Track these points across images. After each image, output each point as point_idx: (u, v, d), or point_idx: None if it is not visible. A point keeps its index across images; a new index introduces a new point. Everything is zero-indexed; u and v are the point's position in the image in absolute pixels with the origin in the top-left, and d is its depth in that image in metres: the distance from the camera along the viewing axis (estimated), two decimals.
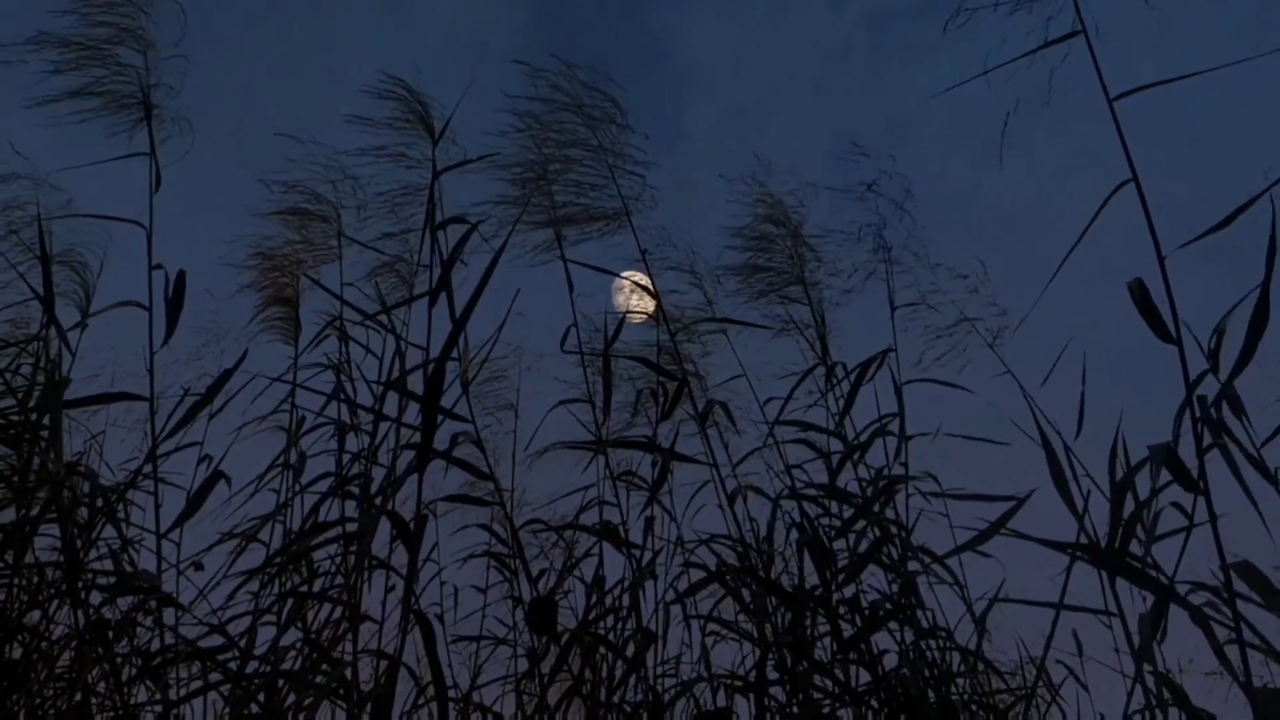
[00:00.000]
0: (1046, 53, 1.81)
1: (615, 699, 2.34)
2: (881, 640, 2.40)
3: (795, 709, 2.25)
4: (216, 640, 2.15)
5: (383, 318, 2.46)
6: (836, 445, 2.68)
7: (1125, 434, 1.94)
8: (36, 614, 2.15)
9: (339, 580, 2.27)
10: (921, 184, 2.77)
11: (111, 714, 2.09)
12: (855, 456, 2.61)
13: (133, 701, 2.12)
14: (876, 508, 2.45)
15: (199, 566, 2.34)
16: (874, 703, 2.30)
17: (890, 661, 2.38)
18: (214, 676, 2.16)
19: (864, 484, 2.59)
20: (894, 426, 2.62)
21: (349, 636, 2.10)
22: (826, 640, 2.44)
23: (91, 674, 2.07)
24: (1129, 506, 1.79)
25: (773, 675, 2.30)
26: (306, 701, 1.99)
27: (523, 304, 2.34)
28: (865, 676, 2.35)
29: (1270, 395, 1.76)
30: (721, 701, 2.37)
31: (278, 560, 2.38)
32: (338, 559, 2.33)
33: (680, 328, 2.90)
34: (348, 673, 2.04)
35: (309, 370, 2.80)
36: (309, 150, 2.65)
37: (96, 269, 2.62)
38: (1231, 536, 1.71)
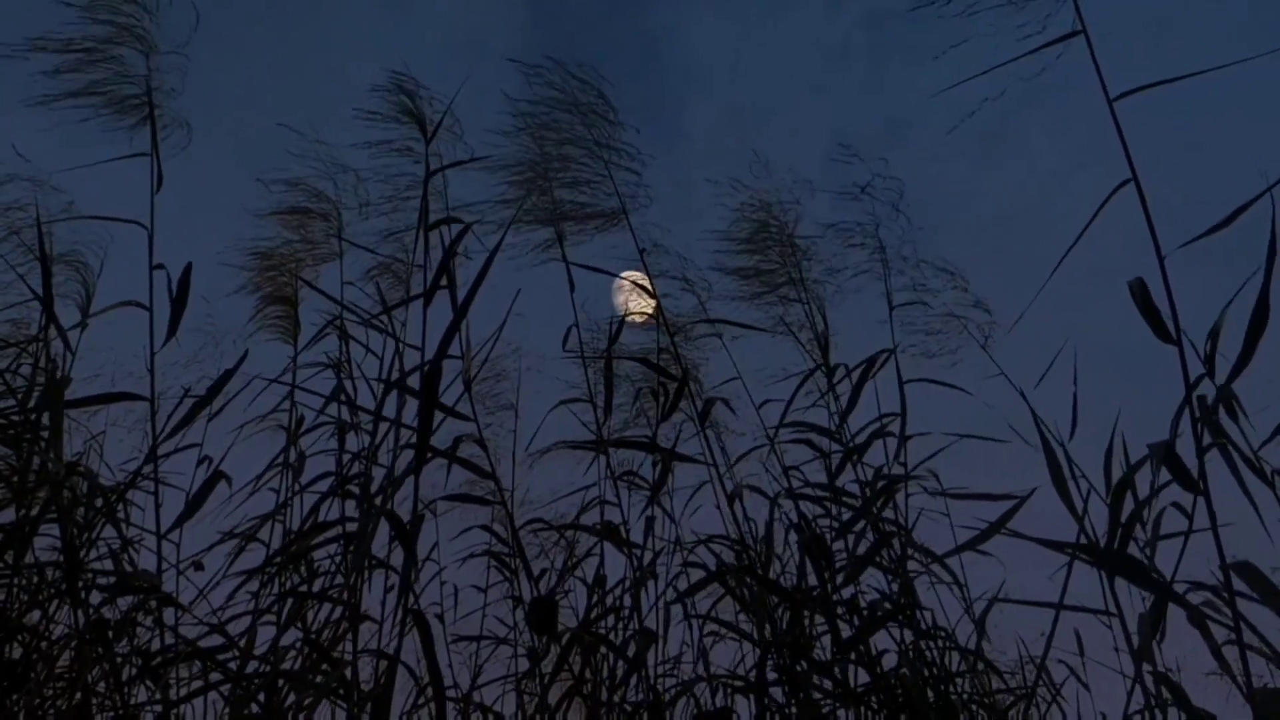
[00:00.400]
0: (1044, 51, 1.81)
1: (615, 699, 2.34)
2: (881, 640, 2.40)
3: (794, 709, 2.25)
4: (216, 640, 2.15)
5: (381, 318, 2.46)
6: (836, 445, 2.69)
7: (1123, 435, 1.95)
8: (36, 614, 2.15)
9: (339, 580, 2.27)
10: (921, 184, 2.78)
11: (111, 714, 2.09)
12: (854, 457, 2.61)
13: (133, 701, 2.12)
14: (875, 509, 2.45)
15: (199, 566, 2.34)
16: (873, 703, 2.30)
17: (890, 661, 2.38)
18: (214, 676, 2.16)
19: (863, 484, 2.59)
20: (894, 426, 2.63)
21: (349, 636, 2.10)
22: (826, 640, 2.45)
23: (91, 674, 2.07)
24: (1129, 506, 1.79)
25: (772, 675, 2.30)
26: (306, 701, 1.99)
27: (523, 304, 2.35)
28: (864, 676, 2.35)
29: (1268, 398, 1.76)
30: (721, 701, 2.38)
31: (277, 560, 2.38)
32: (338, 559, 2.33)
33: (677, 329, 2.90)
34: (347, 672, 2.04)
35: (309, 369, 2.79)
36: (310, 147, 2.65)
37: (97, 269, 2.62)
38: (1234, 538, 1.71)
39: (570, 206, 2.75)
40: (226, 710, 2.08)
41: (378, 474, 2.31)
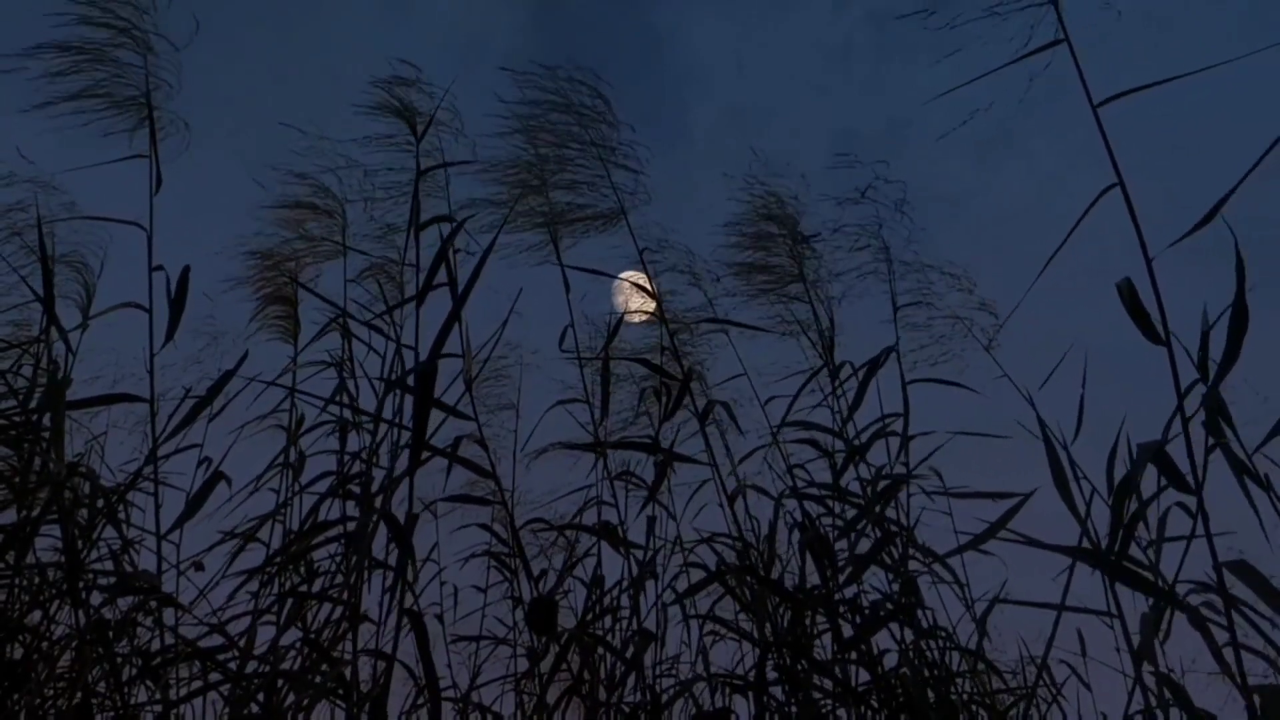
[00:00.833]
0: (1039, 57, 1.82)
1: (614, 699, 2.34)
2: (881, 640, 2.40)
3: (794, 708, 2.25)
4: (216, 640, 2.15)
5: (379, 318, 2.46)
6: (841, 445, 2.68)
7: (1128, 436, 1.94)
8: (37, 614, 2.15)
9: (338, 580, 2.27)
10: (922, 184, 2.77)
11: (112, 714, 2.09)
12: (858, 457, 2.61)
13: (133, 701, 2.13)
14: (878, 508, 2.45)
15: (199, 567, 2.35)
16: (873, 702, 2.29)
17: (890, 661, 2.37)
18: (214, 676, 2.17)
19: (865, 483, 2.59)
20: (896, 426, 2.62)
21: (348, 636, 2.10)
22: (826, 639, 2.44)
23: (92, 674, 2.08)
24: (1132, 508, 1.79)
25: (772, 675, 2.29)
26: (305, 701, 1.99)
27: (525, 304, 2.35)
28: (865, 676, 2.35)
29: (1264, 400, 1.76)
30: (720, 701, 2.37)
31: (277, 560, 2.38)
32: (337, 559, 2.33)
33: (679, 328, 2.90)
34: (346, 672, 2.04)
35: (310, 368, 2.80)
36: (314, 143, 2.65)
37: (97, 270, 2.63)
38: (1239, 539, 1.71)
39: (568, 208, 2.75)
40: (226, 710, 2.08)
41: (378, 474, 2.31)
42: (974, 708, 2.33)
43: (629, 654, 2.33)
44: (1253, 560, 1.63)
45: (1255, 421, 1.76)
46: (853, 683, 2.32)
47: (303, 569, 2.41)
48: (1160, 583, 1.75)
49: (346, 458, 2.60)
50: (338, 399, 2.60)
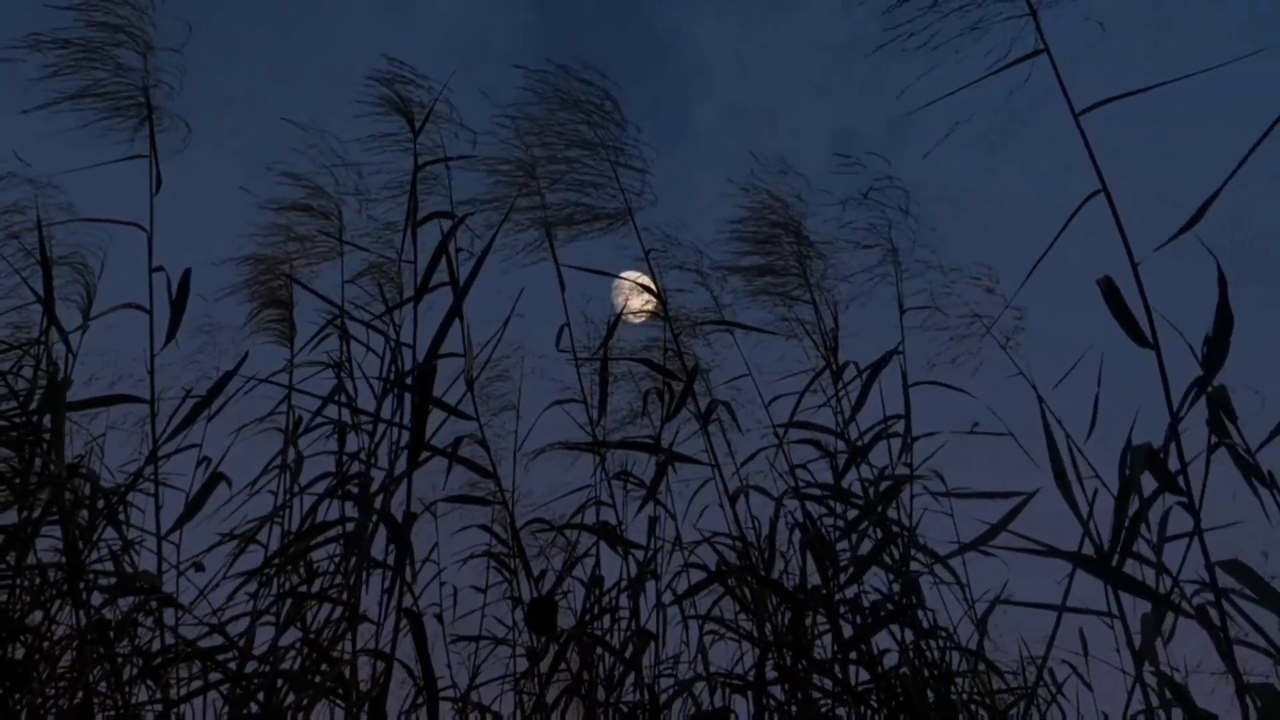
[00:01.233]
0: (1020, 68, 1.83)
1: (613, 699, 2.34)
2: (882, 640, 2.39)
3: (794, 708, 2.25)
4: (216, 640, 2.15)
5: (377, 318, 2.46)
6: (842, 446, 2.68)
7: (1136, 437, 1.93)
8: (38, 614, 2.16)
9: (338, 580, 2.28)
10: (922, 184, 2.77)
11: (112, 713, 2.09)
12: (859, 458, 2.61)
13: (133, 701, 2.13)
14: (880, 508, 2.44)
15: (200, 567, 2.35)
16: (873, 702, 2.29)
17: (890, 661, 2.37)
18: (214, 676, 2.17)
19: (867, 484, 2.59)
20: (899, 427, 2.62)
21: (348, 636, 2.10)
22: (826, 639, 2.44)
23: (93, 674, 2.08)
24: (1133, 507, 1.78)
25: (772, 675, 2.29)
26: (305, 701, 1.99)
27: (528, 305, 2.35)
28: (865, 676, 2.35)
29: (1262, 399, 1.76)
30: (720, 701, 2.37)
31: (276, 561, 2.38)
32: (336, 559, 2.33)
33: (683, 328, 2.90)
34: (345, 672, 2.04)
35: (307, 370, 2.79)
36: (311, 142, 2.65)
37: (98, 271, 2.63)
38: (1236, 539, 1.70)
39: (575, 209, 2.75)
40: (226, 710, 2.09)
41: (377, 475, 2.31)
42: (974, 708, 2.33)
43: (628, 654, 2.33)
44: (1254, 558, 1.63)
45: (1255, 420, 1.76)
46: (853, 683, 2.32)
47: (302, 569, 2.41)
48: (1163, 584, 1.75)
49: (345, 458, 2.60)
50: (336, 399, 2.60)
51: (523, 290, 2.34)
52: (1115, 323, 1.74)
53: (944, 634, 2.37)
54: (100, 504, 2.20)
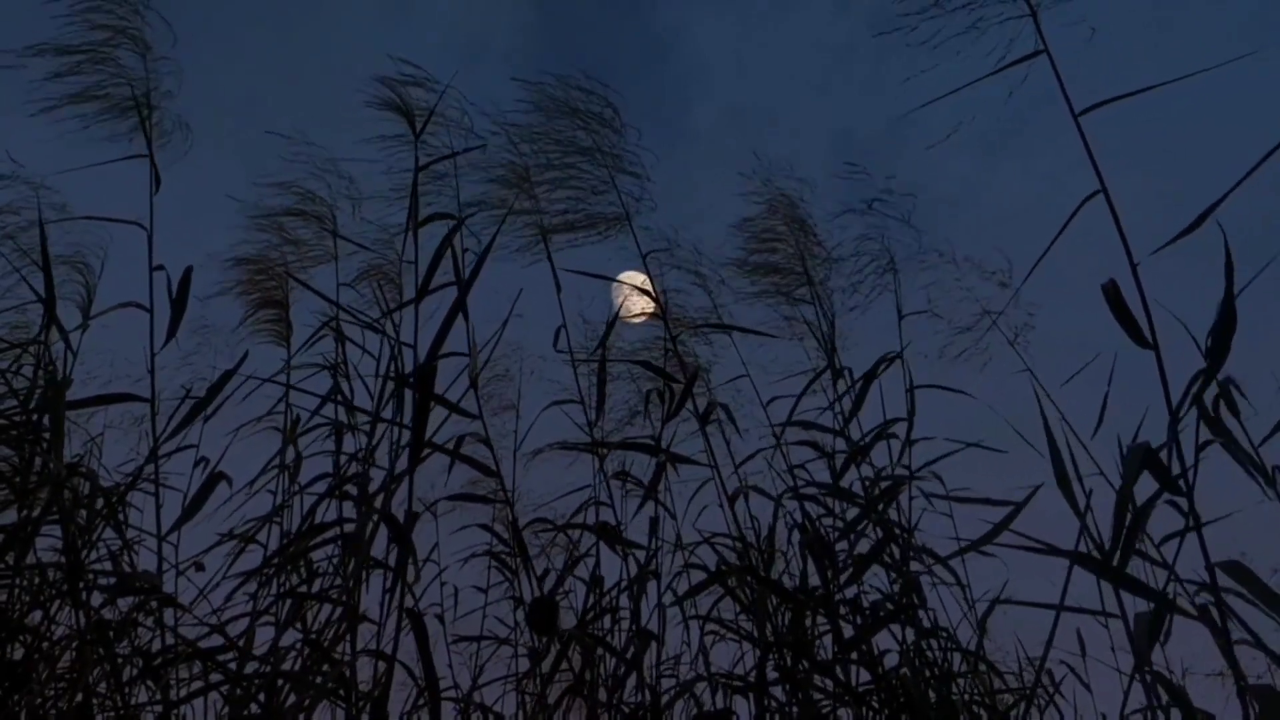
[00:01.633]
0: (1032, 64, 1.83)
1: (615, 699, 2.34)
2: (882, 640, 2.40)
3: (795, 709, 2.25)
4: (216, 640, 2.15)
5: (376, 319, 2.47)
6: (843, 446, 2.68)
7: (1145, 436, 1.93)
8: (38, 614, 2.15)
9: (338, 581, 2.27)
10: (922, 184, 2.77)
11: (112, 714, 2.09)
12: (859, 459, 2.61)
13: (133, 702, 2.12)
14: (880, 507, 2.45)
15: (200, 567, 2.35)
16: (874, 702, 2.29)
17: (891, 661, 2.37)
18: (214, 677, 2.16)
19: (867, 483, 2.59)
20: (900, 429, 2.62)
21: (348, 636, 2.10)
22: (827, 639, 2.44)
23: (92, 674, 2.07)
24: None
25: (772, 675, 2.29)
26: (306, 702, 1.99)
27: (528, 306, 2.35)
28: (865, 676, 2.35)
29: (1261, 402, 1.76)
30: (721, 702, 2.37)
31: (275, 561, 2.38)
32: (336, 559, 2.33)
33: (681, 330, 2.90)
34: (346, 672, 2.04)
35: (305, 370, 2.80)
36: (303, 150, 2.66)
37: (98, 270, 2.63)
38: (1238, 538, 1.71)
39: (574, 215, 2.76)
40: (226, 711, 2.08)
41: (376, 475, 2.31)
42: (974, 708, 2.33)
43: (629, 654, 2.33)
44: (1255, 557, 1.64)
45: (1261, 414, 1.77)
46: (853, 683, 2.32)
47: (302, 569, 2.41)
48: (1162, 581, 1.76)
49: (343, 459, 2.60)
50: (334, 399, 2.60)
51: (521, 291, 2.34)
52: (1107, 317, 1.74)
53: (944, 634, 2.37)
54: (100, 503, 2.20)
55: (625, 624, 2.50)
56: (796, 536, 2.53)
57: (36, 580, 2.18)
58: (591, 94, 2.65)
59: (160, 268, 2.36)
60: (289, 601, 2.26)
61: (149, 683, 2.14)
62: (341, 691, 2.04)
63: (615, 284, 2.80)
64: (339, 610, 2.16)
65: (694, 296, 2.96)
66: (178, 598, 2.21)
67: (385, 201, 2.58)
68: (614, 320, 2.74)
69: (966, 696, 2.34)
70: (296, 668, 2.17)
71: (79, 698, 2.04)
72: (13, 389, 2.29)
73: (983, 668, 2.35)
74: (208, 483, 2.35)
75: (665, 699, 2.37)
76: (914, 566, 2.42)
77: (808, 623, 2.41)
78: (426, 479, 2.44)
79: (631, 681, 2.35)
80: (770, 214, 2.94)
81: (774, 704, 2.28)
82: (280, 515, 2.61)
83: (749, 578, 2.40)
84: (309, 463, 2.68)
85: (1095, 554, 1.80)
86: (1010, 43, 1.85)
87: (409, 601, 2.01)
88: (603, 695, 2.34)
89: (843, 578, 2.41)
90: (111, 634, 2.08)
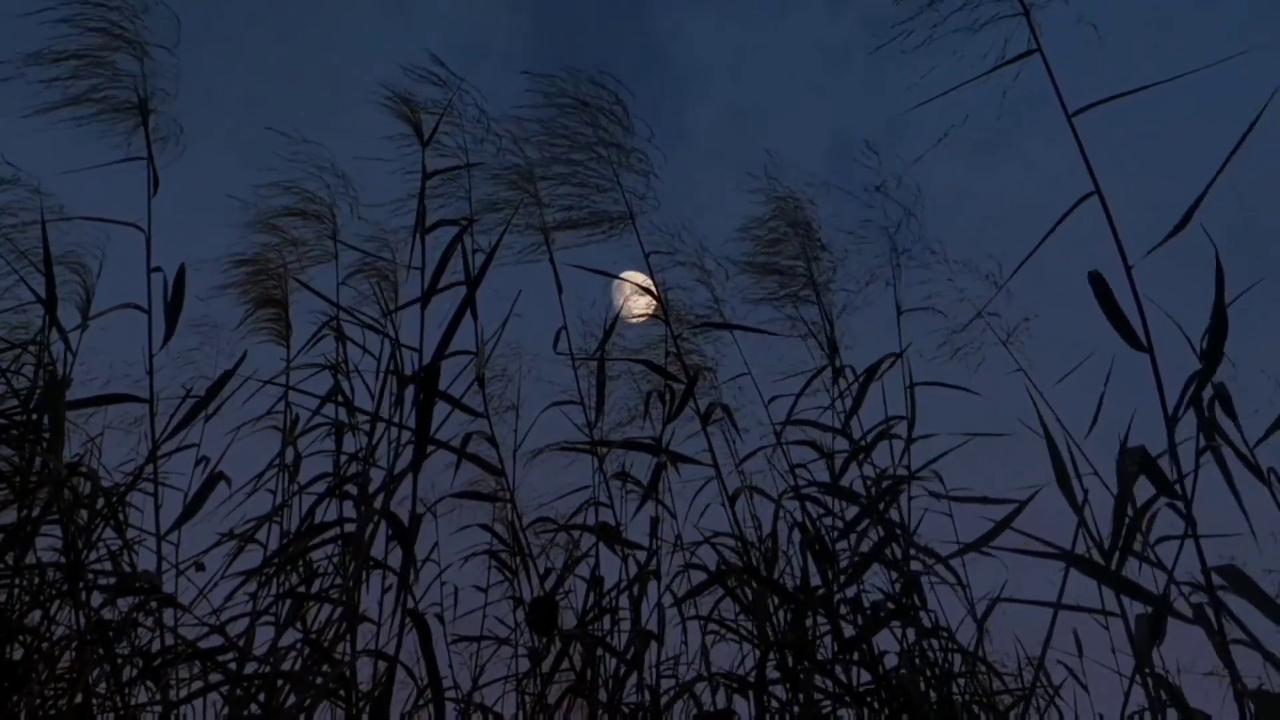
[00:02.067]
0: (1025, 64, 1.84)
1: (615, 699, 2.34)
2: (883, 640, 2.40)
3: (795, 709, 2.25)
4: (216, 640, 2.15)
5: (375, 318, 2.47)
6: (843, 445, 2.68)
7: (1135, 436, 1.94)
8: (38, 615, 2.15)
9: (338, 581, 2.28)
10: (919, 185, 2.78)
11: (112, 714, 2.09)
12: (860, 457, 2.61)
13: (133, 702, 2.13)
14: (883, 505, 2.45)
15: (200, 567, 2.35)
16: (874, 702, 2.29)
17: (891, 662, 2.37)
18: (214, 677, 2.17)
19: (868, 482, 2.59)
20: (901, 428, 2.62)
21: (348, 637, 2.10)
22: (828, 639, 2.44)
23: (92, 674, 2.07)
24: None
25: (773, 675, 2.30)
26: (306, 702, 1.99)
27: (527, 306, 2.36)
28: (866, 676, 2.35)
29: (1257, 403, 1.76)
30: (721, 702, 2.37)
31: (275, 561, 2.38)
32: (336, 559, 2.33)
33: (684, 330, 2.90)
34: (346, 673, 2.04)
35: (305, 370, 2.80)
36: (302, 149, 2.66)
37: (95, 271, 2.63)
38: (1235, 540, 1.71)
39: (578, 213, 2.76)
40: (226, 711, 2.08)
41: (376, 475, 2.31)
42: (974, 708, 2.33)
43: (629, 654, 2.33)
44: (1256, 557, 1.64)
45: (1260, 411, 1.77)
46: (854, 683, 2.32)
47: (301, 569, 2.41)
48: (1159, 584, 1.76)
49: (343, 458, 2.60)
50: (334, 399, 2.60)
51: (520, 291, 2.35)
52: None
53: (945, 634, 2.37)
54: (100, 503, 2.20)
55: (626, 624, 2.50)
56: (796, 536, 2.53)
57: (36, 580, 2.18)
58: (602, 88, 2.65)
59: (158, 269, 2.37)
60: (289, 601, 2.26)
61: (149, 683, 2.14)
62: (341, 691, 2.05)
63: (616, 284, 2.80)
64: (339, 610, 2.16)
65: (697, 295, 2.97)
66: (178, 598, 2.21)
67: (391, 209, 2.59)
68: (614, 322, 2.75)
69: (966, 697, 2.34)
70: (296, 668, 2.18)
71: (79, 698, 2.04)
72: (13, 389, 2.29)
73: (982, 669, 2.35)
74: (208, 482, 2.35)
75: (665, 699, 2.37)
76: (914, 566, 2.42)
77: (809, 623, 2.41)
78: (426, 479, 2.44)
79: (632, 681, 2.35)
80: (775, 214, 2.94)
81: (775, 704, 2.29)
82: (280, 515, 2.61)
83: (749, 578, 2.40)
84: (310, 462, 2.68)
85: (1094, 553, 1.80)
86: (1005, 43, 1.86)
87: (409, 602, 2.01)
88: (603, 695, 2.34)
89: (842, 578, 2.41)
90: (111, 634, 2.07)
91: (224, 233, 2.87)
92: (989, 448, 2.46)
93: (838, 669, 2.33)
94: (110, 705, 2.09)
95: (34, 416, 2.18)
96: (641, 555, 2.51)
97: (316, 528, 2.30)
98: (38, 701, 2.06)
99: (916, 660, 2.27)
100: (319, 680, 2.07)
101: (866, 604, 2.45)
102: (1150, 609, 1.67)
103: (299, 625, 2.25)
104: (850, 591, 2.46)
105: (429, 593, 2.73)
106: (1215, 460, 1.65)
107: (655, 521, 2.57)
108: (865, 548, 2.47)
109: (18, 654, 2.12)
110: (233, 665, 2.11)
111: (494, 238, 2.40)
